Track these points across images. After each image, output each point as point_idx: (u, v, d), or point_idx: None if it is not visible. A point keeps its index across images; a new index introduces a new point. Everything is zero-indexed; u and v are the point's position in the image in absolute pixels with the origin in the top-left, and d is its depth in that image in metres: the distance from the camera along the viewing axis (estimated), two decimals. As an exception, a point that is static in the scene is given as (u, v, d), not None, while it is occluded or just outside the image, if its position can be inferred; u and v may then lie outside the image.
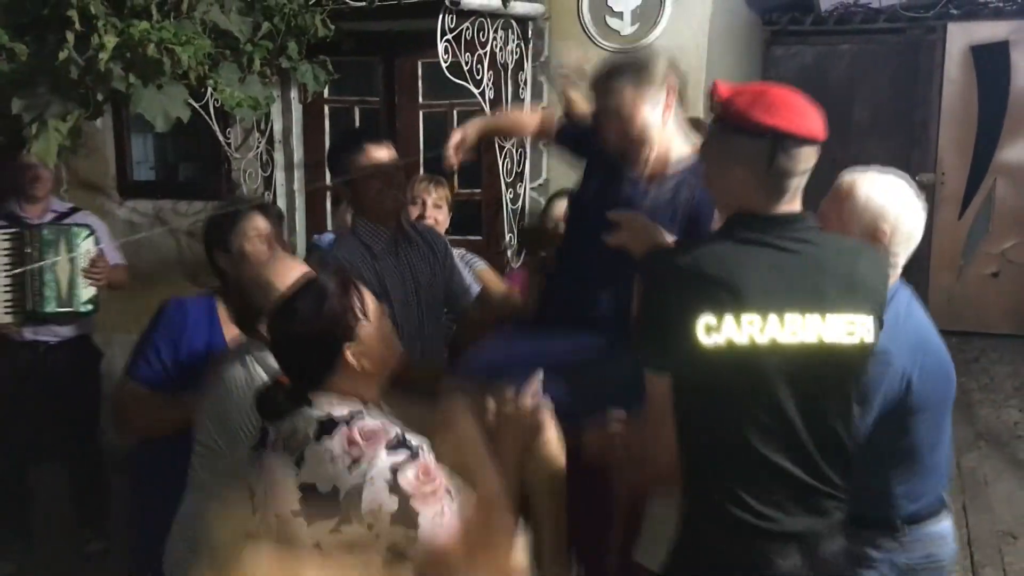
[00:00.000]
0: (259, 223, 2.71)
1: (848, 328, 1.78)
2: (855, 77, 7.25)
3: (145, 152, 5.89)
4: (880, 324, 1.85)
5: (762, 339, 1.71)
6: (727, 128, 1.78)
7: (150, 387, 2.59)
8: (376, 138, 3.00)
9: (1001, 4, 6.98)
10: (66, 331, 4.23)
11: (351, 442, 1.71)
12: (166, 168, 5.98)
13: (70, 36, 3.30)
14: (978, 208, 7.08)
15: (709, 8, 4.63)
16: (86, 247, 4.16)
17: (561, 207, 3.80)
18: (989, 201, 7.05)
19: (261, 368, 2.22)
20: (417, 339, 2.91)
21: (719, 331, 1.70)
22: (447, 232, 3.65)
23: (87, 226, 4.25)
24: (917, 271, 7.32)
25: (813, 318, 1.74)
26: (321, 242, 3.99)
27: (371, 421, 1.77)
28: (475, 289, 3.25)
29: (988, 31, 6.87)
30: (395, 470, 1.69)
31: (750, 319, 1.70)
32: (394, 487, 1.68)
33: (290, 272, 2.21)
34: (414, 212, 3.59)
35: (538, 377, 2.01)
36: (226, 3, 3.77)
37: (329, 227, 5.18)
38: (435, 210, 3.62)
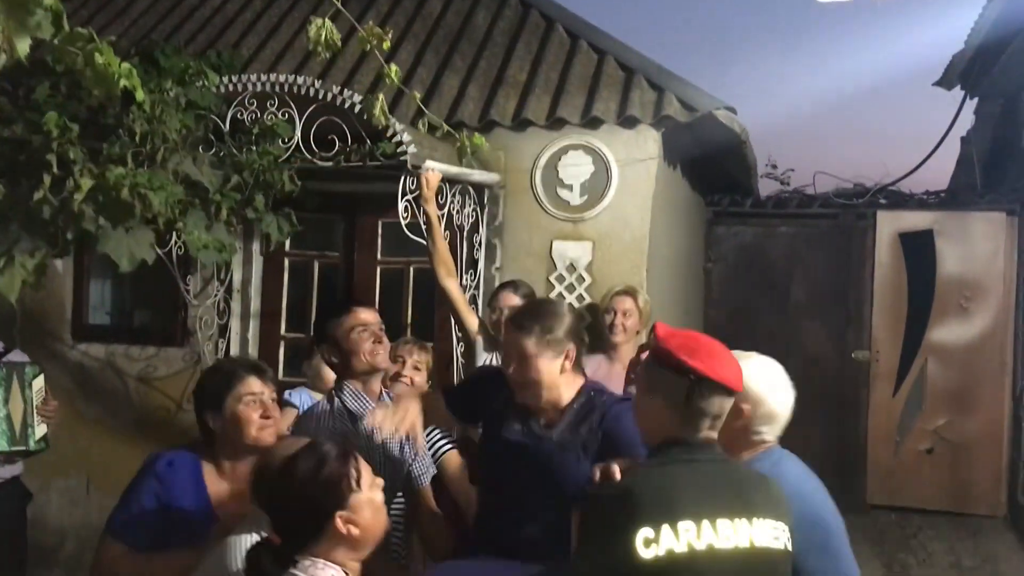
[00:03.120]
0: (254, 386, 2.63)
1: (774, 533, 1.91)
2: (793, 257, 7.65)
3: (102, 297, 5.98)
4: (792, 533, 1.98)
5: (700, 546, 1.82)
6: (657, 363, 2.02)
7: (132, 545, 2.53)
8: (361, 300, 3.15)
9: (925, 196, 7.53)
10: (4, 472, 4.14)
11: None
12: (121, 313, 6.05)
13: (47, 179, 3.46)
14: (911, 386, 7.34)
15: (652, 186, 4.95)
16: (38, 385, 4.15)
17: (508, 298, 4.12)
18: (921, 379, 7.32)
19: None
20: None
21: (658, 543, 1.80)
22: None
23: (36, 364, 4.26)
24: (855, 446, 7.50)
25: (742, 523, 1.87)
26: (292, 398, 4.03)
27: None
28: (432, 472, 3.31)
29: (914, 220, 7.35)
30: None
31: (686, 527, 1.82)
32: None
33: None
34: (392, 369, 3.70)
35: None
36: (198, 156, 3.98)
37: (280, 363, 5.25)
38: (413, 371, 3.73)
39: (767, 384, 2.33)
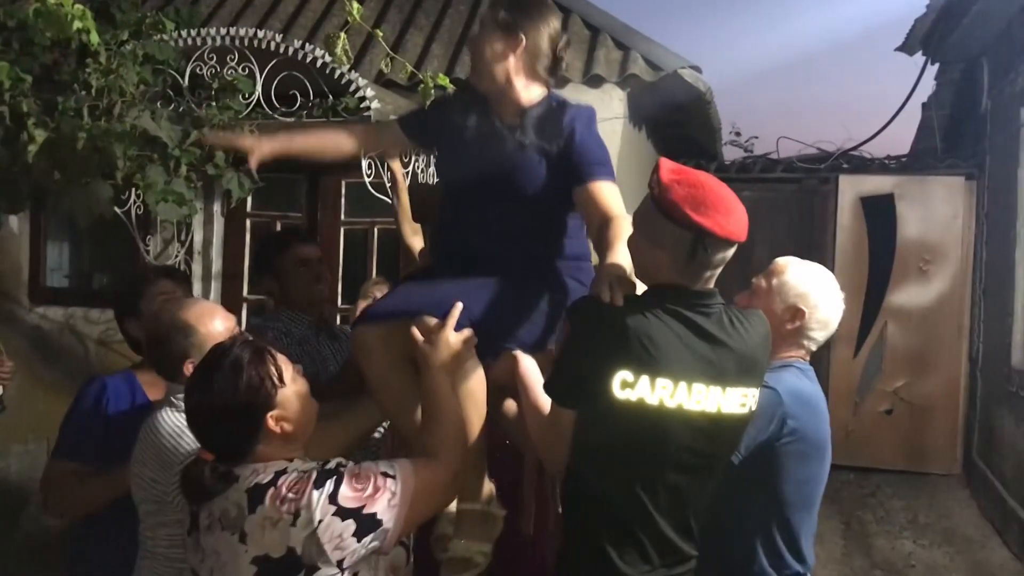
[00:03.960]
0: (166, 286, 2.69)
1: (741, 400, 1.92)
2: (755, 221, 7.61)
3: (60, 259, 5.87)
4: (761, 387, 2.01)
5: (671, 403, 1.83)
6: (661, 212, 1.87)
7: (78, 458, 2.53)
8: (302, 236, 3.14)
9: (886, 161, 7.61)
10: (-42, 435, 4.07)
11: (282, 500, 1.74)
12: (80, 276, 5.95)
13: (-1, 131, 3.38)
14: (871, 348, 7.45)
15: (618, 146, 4.95)
16: None
17: None
18: (881, 341, 7.44)
19: None
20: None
21: (633, 388, 1.81)
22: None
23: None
24: (816, 407, 7.59)
25: (715, 389, 1.87)
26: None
27: (293, 476, 1.79)
28: None
29: (876, 184, 7.43)
30: (332, 497, 1.74)
31: (664, 383, 1.82)
32: (341, 511, 1.73)
33: (208, 315, 2.26)
34: (362, 305, 3.71)
35: (458, 306, 2.04)
36: (156, 111, 3.90)
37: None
38: None
39: (825, 290, 2.38)
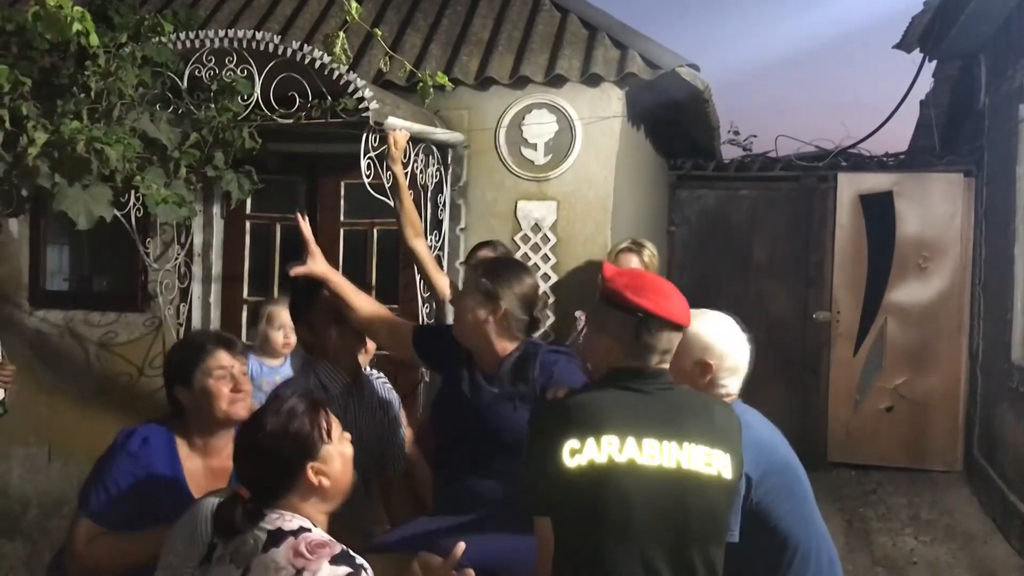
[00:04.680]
0: (224, 359, 2.58)
1: (705, 459, 1.95)
2: (755, 220, 7.71)
3: (60, 263, 5.88)
4: (739, 465, 2.03)
5: (620, 458, 1.89)
6: (605, 302, 2.07)
7: (106, 523, 2.46)
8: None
9: (885, 158, 7.61)
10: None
11: (297, 554, 1.76)
12: (80, 279, 5.96)
13: (-1, 134, 3.37)
14: (871, 345, 7.45)
15: (616, 144, 4.95)
16: None
17: (483, 253, 4.13)
18: (881, 339, 7.43)
19: None
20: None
21: (582, 453, 1.89)
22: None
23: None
24: (816, 406, 7.62)
25: (671, 445, 1.93)
26: None
27: (319, 535, 1.82)
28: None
29: (874, 181, 7.43)
30: None
31: (609, 440, 1.90)
32: None
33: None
34: None
35: (460, 544, 2.05)
36: (156, 113, 3.90)
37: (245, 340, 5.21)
38: None
39: (729, 339, 2.40)
